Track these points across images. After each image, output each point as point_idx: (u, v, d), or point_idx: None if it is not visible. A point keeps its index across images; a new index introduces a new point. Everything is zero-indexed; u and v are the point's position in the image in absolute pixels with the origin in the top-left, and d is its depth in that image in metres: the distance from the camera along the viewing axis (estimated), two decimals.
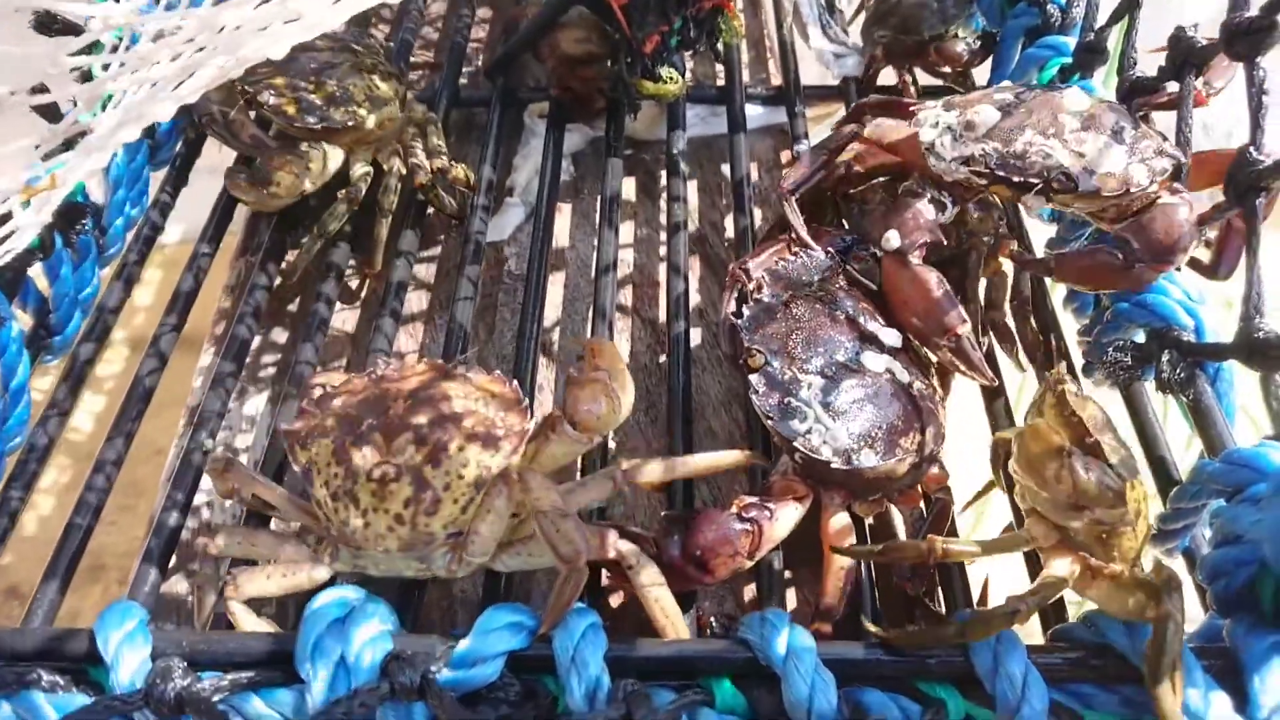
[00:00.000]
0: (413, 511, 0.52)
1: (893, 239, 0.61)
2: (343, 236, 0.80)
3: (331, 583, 0.56)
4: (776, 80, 1.02)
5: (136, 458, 0.68)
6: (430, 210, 0.83)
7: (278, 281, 0.80)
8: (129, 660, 0.47)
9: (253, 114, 0.80)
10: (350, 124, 0.79)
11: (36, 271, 0.71)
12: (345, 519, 0.53)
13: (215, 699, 0.46)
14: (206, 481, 0.70)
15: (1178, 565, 0.58)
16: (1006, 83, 0.68)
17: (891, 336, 0.61)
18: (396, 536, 0.53)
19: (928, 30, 0.86)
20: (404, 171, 0.81)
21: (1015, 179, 0.60)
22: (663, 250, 0.85)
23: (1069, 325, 0.70)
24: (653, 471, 0.57)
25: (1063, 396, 0.51)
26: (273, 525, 0.63)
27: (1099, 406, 0.52)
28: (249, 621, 0.54)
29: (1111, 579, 0.49)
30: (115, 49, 0.47)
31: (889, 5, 0.88)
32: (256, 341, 0.79)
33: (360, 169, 0.81)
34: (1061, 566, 0.50)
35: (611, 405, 0.55)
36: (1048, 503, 0.49)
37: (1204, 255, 0.65)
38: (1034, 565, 0.58)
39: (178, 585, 0.66)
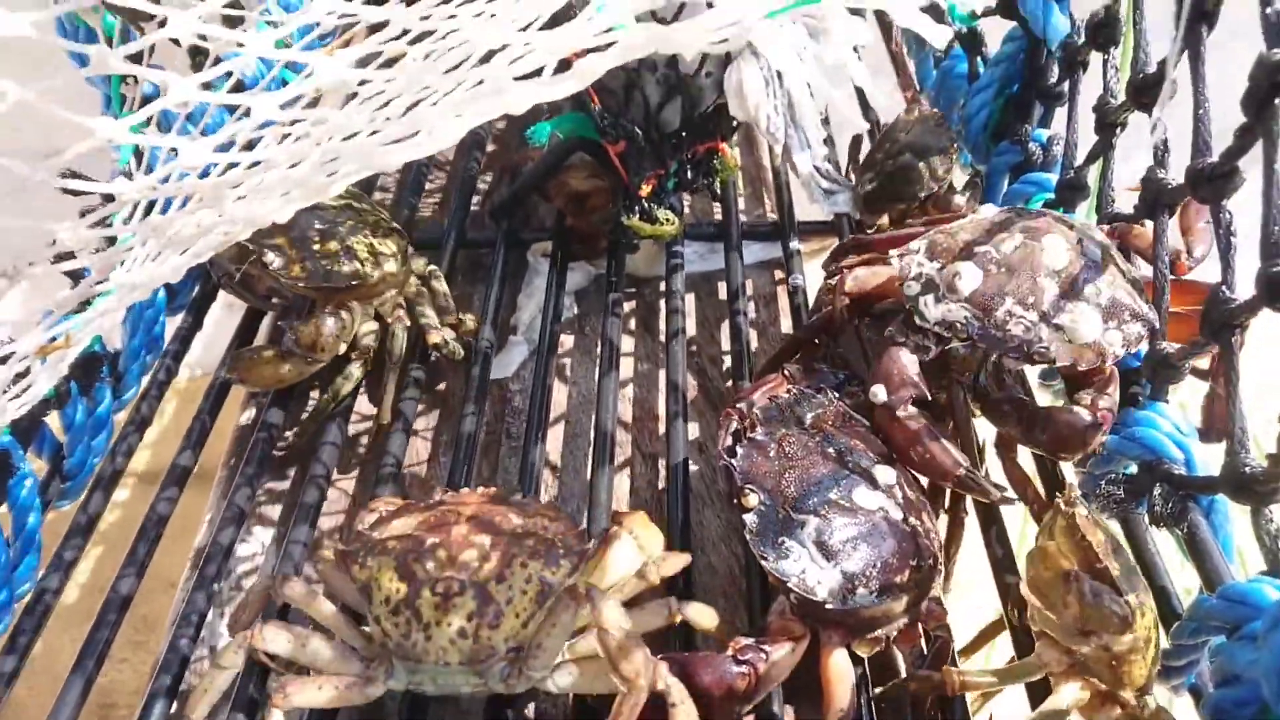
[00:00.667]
0: (475, 625, 0.54)
1: (879, 394, 0.63)
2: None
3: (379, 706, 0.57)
4: (772, 215, 1.05)
5: (147, 590, 0.69)
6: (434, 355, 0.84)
7: (285, 440, 0.81)
8: None
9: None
10: (355, 282, 0.80)
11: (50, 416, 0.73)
12: (406, 632, 0.54)
13: None
14: (215, 625, 0.71)
15: (1185, 701, 0.58)
16: (990, 207, 0.69)
17: (885, 474, 0.61)
18: (458, 650, 0.54)
19: (923, 192, 0.85)
20: (408, 324, 0.83)
21: (994, 352, 0.64)
22: (663, 385, 0.87)
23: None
24: (703, 614, 0.60)
25: (1073, 520, 0.51)
26: None
27: (1109, 532, 0.52)
28: None
29: (1122, 711, 0.48)
30: (129, 219, 0.49)
31: (879, 159, 0.88)
32: (264, 482, 0.80)
33: (367, 326, 0.82)
34: (1070, 692, 0.50)
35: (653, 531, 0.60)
36: (1057, 626, 0.49)
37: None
38: (1039, 701, 0.57)
39: None
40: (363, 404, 0.85)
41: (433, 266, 0.88)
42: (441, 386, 0.89)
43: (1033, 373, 0.78)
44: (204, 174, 0.51)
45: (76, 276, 0.66)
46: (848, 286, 0.69)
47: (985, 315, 0.62)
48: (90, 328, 0.55)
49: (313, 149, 0.44)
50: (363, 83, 0.43)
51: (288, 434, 0.81)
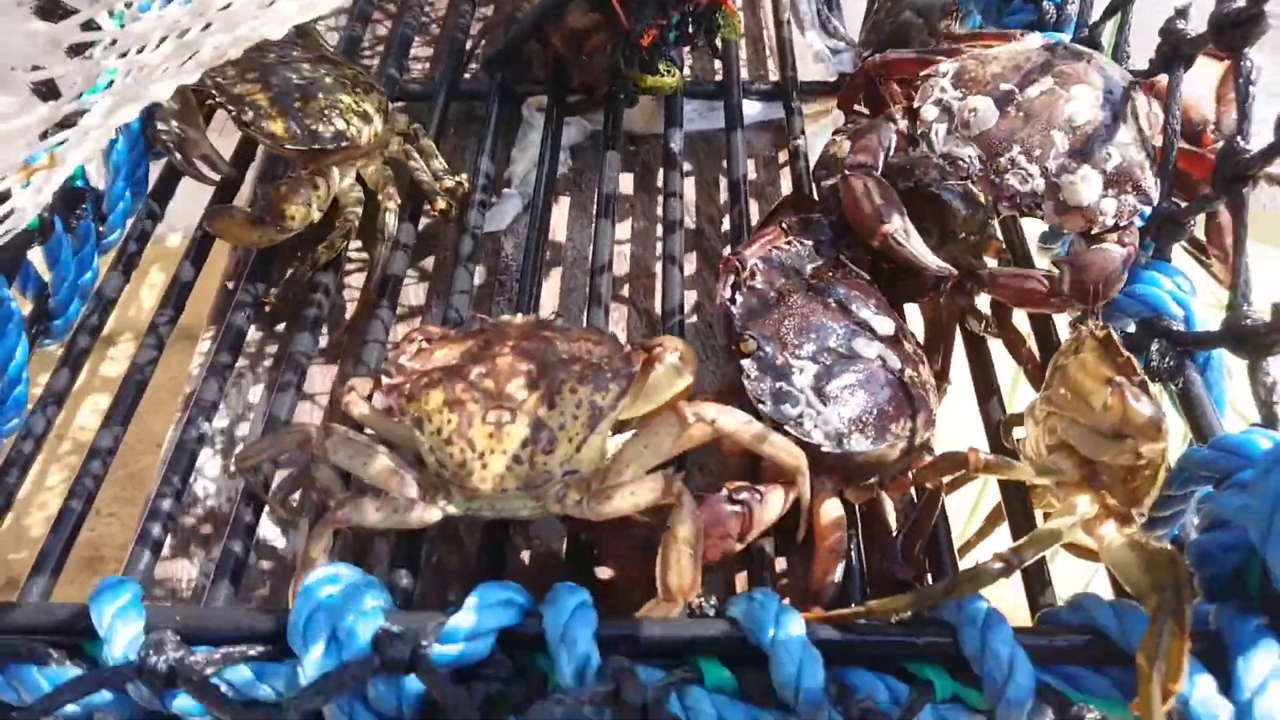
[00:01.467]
0: (530, 451, 0.54)
1: (844, 146, 0.65)
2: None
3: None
4: (774, 77, 1.03)
5: (137, 449, 0.68)
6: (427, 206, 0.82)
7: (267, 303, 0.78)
8: (122, 633, 0.48)
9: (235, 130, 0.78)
10: (344, 144, 0.76)
11: (36, 256, 0.72)
12: (462, 461, 0.54)
13: (208, 672, 0.47)
14: (204, 469, 0.71)
15: None
16: (1036, 36, 0.67)
17: (884, 324, 0.61)
18: (514, 475, 0.54)
19: (918, 39, 0.84)
20: (399, 201, 0.80)
21: (990, 196, 0.63)
22: (659, 243, 0.85)
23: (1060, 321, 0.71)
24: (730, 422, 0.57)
25: (1109, 338, 0.52)
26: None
27: None
28: (319, 560, 0.55)
29: (1130, 540, 0.49)
30: (120, 29, 0.47)
31: (880, 19, 0.87)
32: (253, 332, 0.79)
33: (352, 191, 0.79)
34: (1083, 502, 0.51)
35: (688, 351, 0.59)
36: (1085, 433, 0.50)
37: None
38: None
39: (172, 568, 0.66)
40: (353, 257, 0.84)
41: (416, 125, 0.84)
42: (433, 241, 0.87)
43: (1033, 239, 0.77)
44: None
45: (56, 95, 0.64)
46: (869, 64, 0.69)
47: (989, 159, 0.61)
48: (76, 150, 0.53)
49: None
50: None
51: (272, 292, 0.79)
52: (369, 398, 0.62)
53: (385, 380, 0.58)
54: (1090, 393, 0.49)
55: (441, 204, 0.80)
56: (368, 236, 0.79)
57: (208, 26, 0.48)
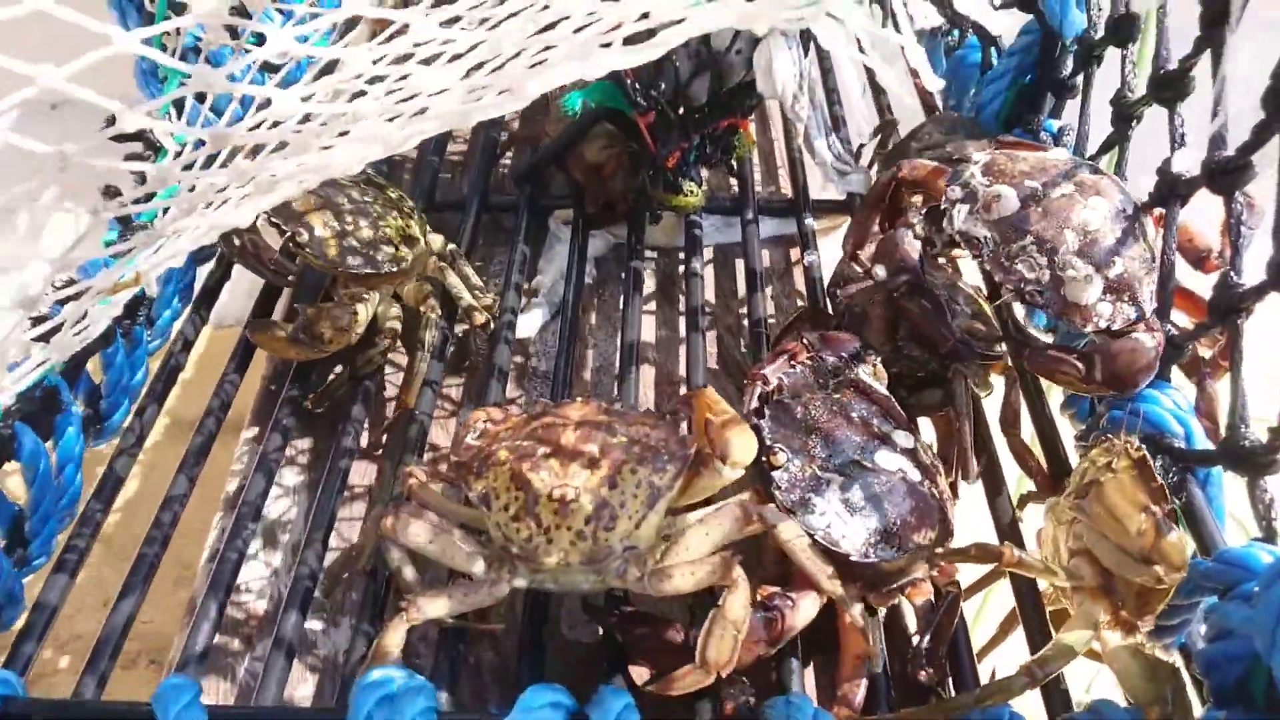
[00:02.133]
0: (593, 528, 0.57)
1: (879, 272, 0.69)
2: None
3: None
4: (786, 190, 1.08)
5: (176, 541, 0.71)
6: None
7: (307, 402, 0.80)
8: None
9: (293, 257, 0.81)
10: (395, 269, 0.79)
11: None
12: (529, 536, 0.57)
13: None
14: (246, 571, 0.73)
15: (1174, 659, 0.62)
16: (1063, 151, 0.73)
17: (904, 438, 0.65)
18: (578, 551, 0.57)
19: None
20: (440, 313, 0.83)
21: (997, 278, 0.66)
22: (681, 351, 0.89)
23: (1066, 431, 0.74)
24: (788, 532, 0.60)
25: (1144, 461, 0.55)
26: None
27: None
28: (393, 653, 0.57)
29: (1135, 649, 0.52)
30: (206, 167, 0.52)
31: (911, 147, 0.89)
32: (296, 430, 0.81)
33: (393, 309, 0.82)
34: (1095, 611, 0.55)
35: (748, 440, 0.60)
36: (1113, 550, 0.54)
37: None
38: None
39: (217, 666, 0.68)
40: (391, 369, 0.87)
41: (452, 245, 0.87)
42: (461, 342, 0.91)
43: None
44: (276, 124, 0.53)
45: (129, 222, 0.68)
46: (904, 171, 0.72)
47: (1002, 243, 0.65)
48: (158, 268, 0.57)
49: (400, 103, 0.46)
50: (450, 40, 0.45)
51: (311, 397, 0.81)
52: (430, 478, 0.65)
53: (453, 457, 0.62)
54: (1125, 515, 0.53)
55: (480, 319, 0.83)
56: (408, 345, 0.82)
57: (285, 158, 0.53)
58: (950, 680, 0.62)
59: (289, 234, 0.78)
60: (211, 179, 0.49)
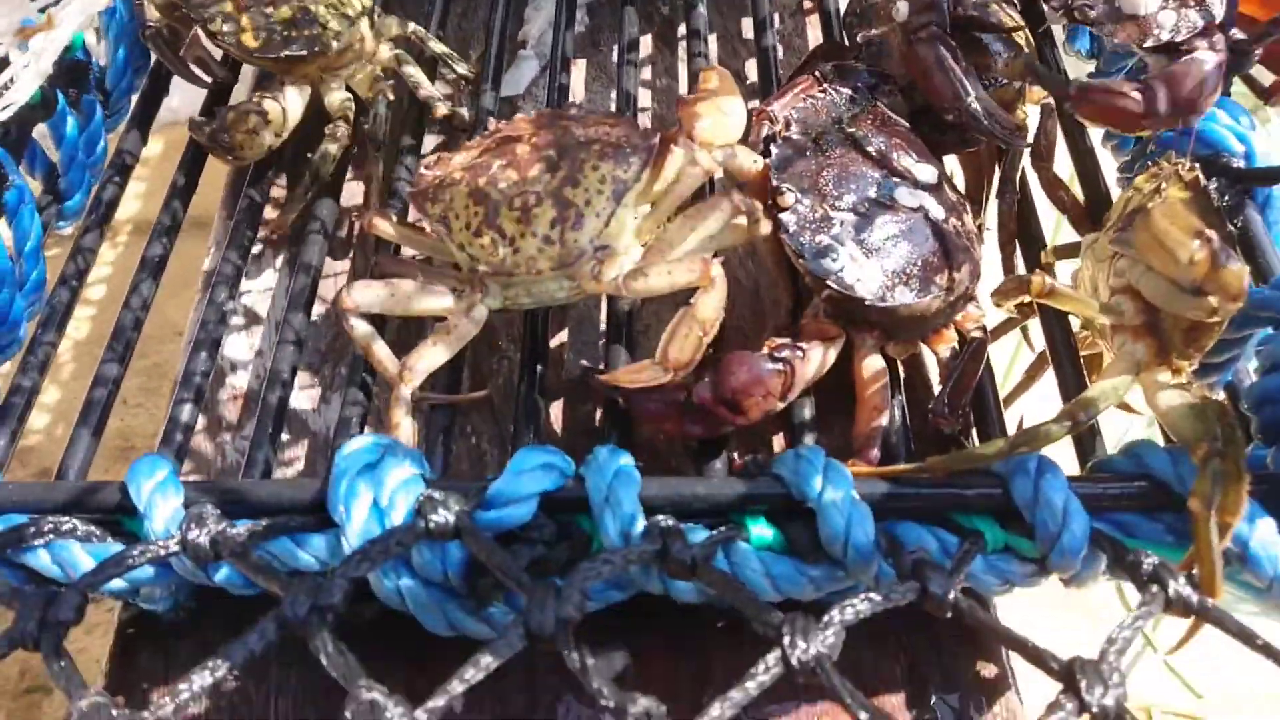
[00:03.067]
0: (560, 230, 0.55)
1: (901, 9, 0.61)
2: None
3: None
4: None
5: (157, 338, 0.67)
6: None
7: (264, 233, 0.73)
8: (162, 509, 0.47)
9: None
10: (316, 49, 0.70)
11: (43, 136, 0.69)
12: (494, 250, 0.56)
13: (250, 544, 0.46)
14: (228, 347, 0.70)
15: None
16: None
17: (926, 172, 0.58)
18: (547, 256, 0.56)
19: None
20: (390, 98, 0.74)
21: None
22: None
23: (1109, 164, 0.68)
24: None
25: (1197, 184, 0.49)
26: None
27: None
28: (407, 429, 0.56)
29: (1177, 389, 0.48)
30: None
31: None
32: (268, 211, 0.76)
33: (339, 98, 0.73)
34: (1137, 351, 0.50)
35: (721, 118, 0.58)
36: (1161, 283, 0.48)
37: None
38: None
39: (204, 448, 0.66)
40: None
41: (416, 27, 0.77)
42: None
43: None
44: None
45: None
46: None
47: None
48: (73, 12, 0.50)
49: None
50: None
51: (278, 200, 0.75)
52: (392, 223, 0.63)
53: (408, 189, 0.60)
54: (1176, 242, 0.46)
55: (443, 110, 0.75)
56: (360, 142, 0.74)
57: None
58: (975, 432, 0.58)
59: (201, 20, 0.69)
60: None
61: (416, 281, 0.58)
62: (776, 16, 0.87)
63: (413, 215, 0.66)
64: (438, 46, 0.78)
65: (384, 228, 0.62)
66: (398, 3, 0.86)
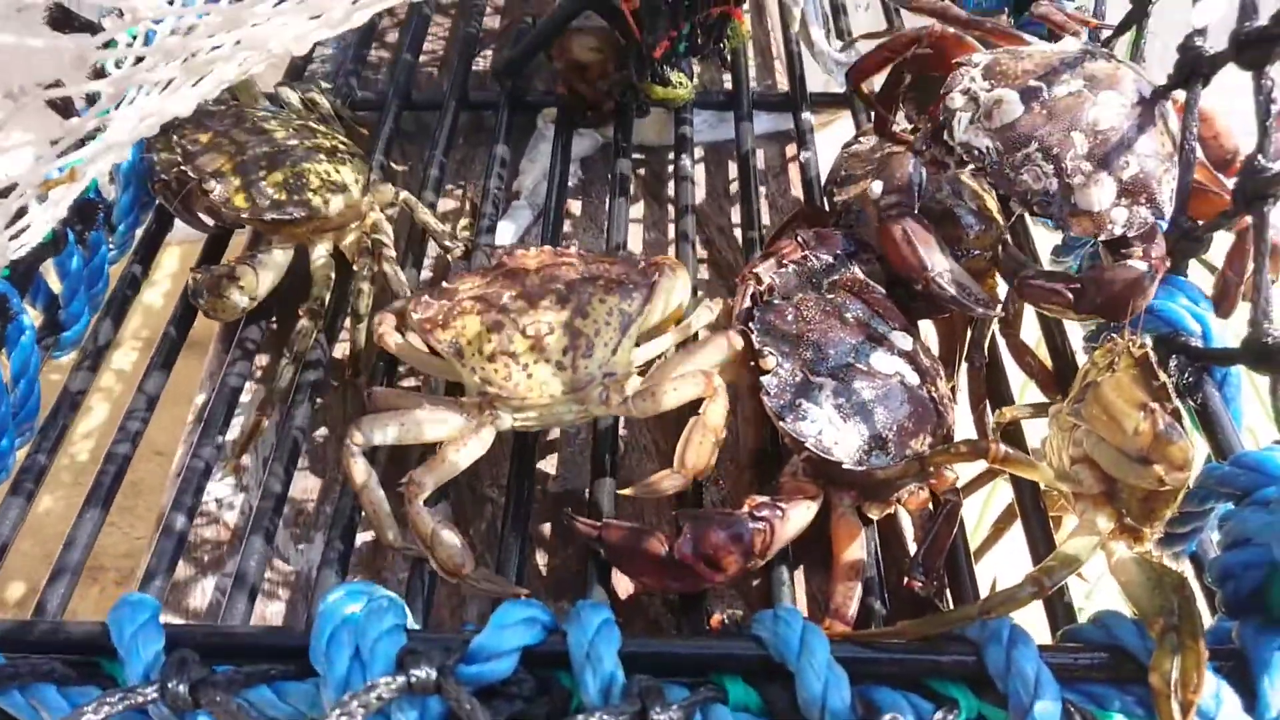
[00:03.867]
0: (572, 357, 0.59)
1: (875, 189, 0.65)
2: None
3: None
4: (782, 86, 1.03)
5: (137, 455, 0.67)
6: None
7: (253, 420, 0.71)
8: (143, 653, 0.47)
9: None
10: (303, 215, 0.73)
11: (47, 267, 0.71)
12: (508, 374, 0.59)
13: (230, 692, 0.46)
14: (215, 486, 0.70)
15: (1183, 569, 0.59)
16: (1073, 41, 0.67)
17: (902, 339, 0.61)
18: (559, 380, 0.59)
19: None
20: (376, 269, 0.75)
21: (1001, 190, 0.62)
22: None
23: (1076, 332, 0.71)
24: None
25: (1146, 360, 0.51)
26: None
27: None
28: (426, 524, 0.57)
29: (1140, 558, 0.49)
30: (131, 45, 0.47)
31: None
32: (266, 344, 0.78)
33: (321, 259, 0.75)
34: (1099, 520, 0.52)
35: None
36: (1112, 453, 0.50)
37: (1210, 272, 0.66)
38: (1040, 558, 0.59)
39: (185, 584, 0.66)
40: None
41: (406, 195, 0.80)
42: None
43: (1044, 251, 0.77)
44: None
45: (71, 112, 0.63)
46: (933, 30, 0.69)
47: (1006, 152, 0.60)
48: (96, 164, 0.53)
49: None
50: None
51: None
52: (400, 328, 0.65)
53: (415, 314, 0.62)
54: (1123, 415, 0.49)
55: (458, 251, 0.80)
56: (354, 315, 0.74)
57: (234, 43, 0.48)
58: (949, 593, 0.60)
59: (198, 182, 0.72)
60: (138, 55, 0.45)
61: (426, 409, 0.60)
62: (762, 176, 0.92)
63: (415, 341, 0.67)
64: (427, 216, 0.80)
65: (393, 340, 0.64)
66: (400, 152, 0.90)
